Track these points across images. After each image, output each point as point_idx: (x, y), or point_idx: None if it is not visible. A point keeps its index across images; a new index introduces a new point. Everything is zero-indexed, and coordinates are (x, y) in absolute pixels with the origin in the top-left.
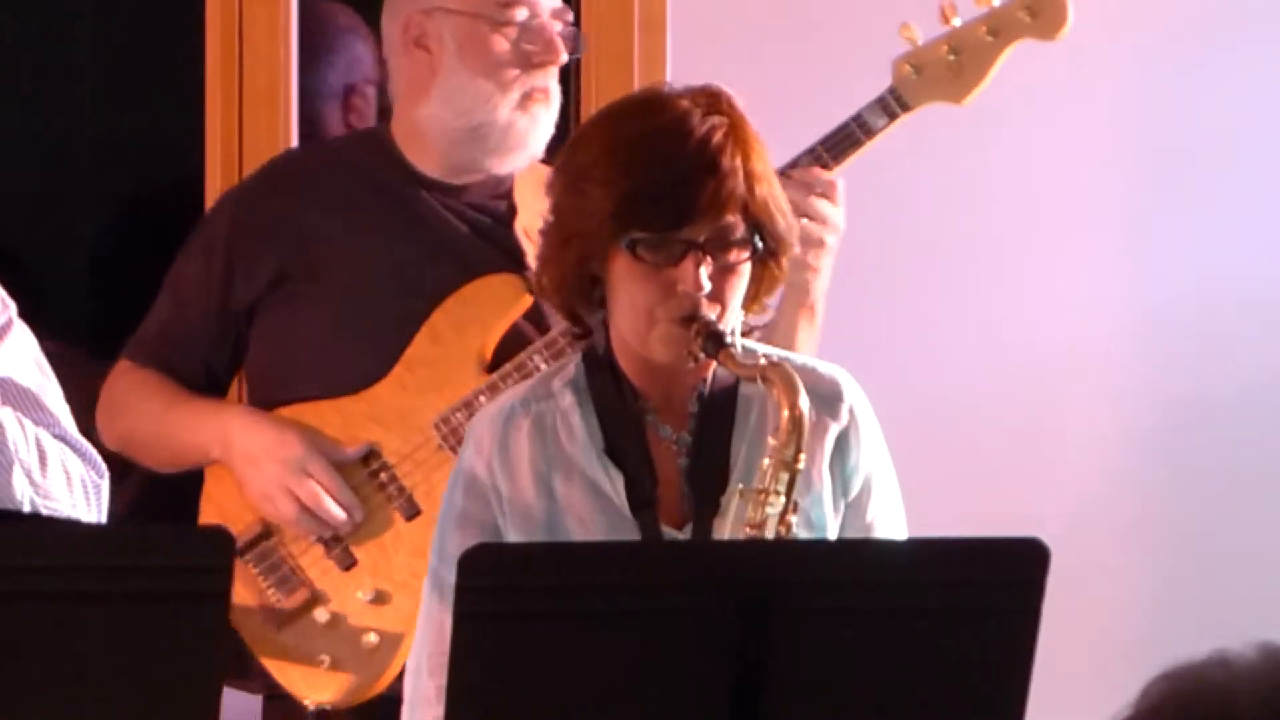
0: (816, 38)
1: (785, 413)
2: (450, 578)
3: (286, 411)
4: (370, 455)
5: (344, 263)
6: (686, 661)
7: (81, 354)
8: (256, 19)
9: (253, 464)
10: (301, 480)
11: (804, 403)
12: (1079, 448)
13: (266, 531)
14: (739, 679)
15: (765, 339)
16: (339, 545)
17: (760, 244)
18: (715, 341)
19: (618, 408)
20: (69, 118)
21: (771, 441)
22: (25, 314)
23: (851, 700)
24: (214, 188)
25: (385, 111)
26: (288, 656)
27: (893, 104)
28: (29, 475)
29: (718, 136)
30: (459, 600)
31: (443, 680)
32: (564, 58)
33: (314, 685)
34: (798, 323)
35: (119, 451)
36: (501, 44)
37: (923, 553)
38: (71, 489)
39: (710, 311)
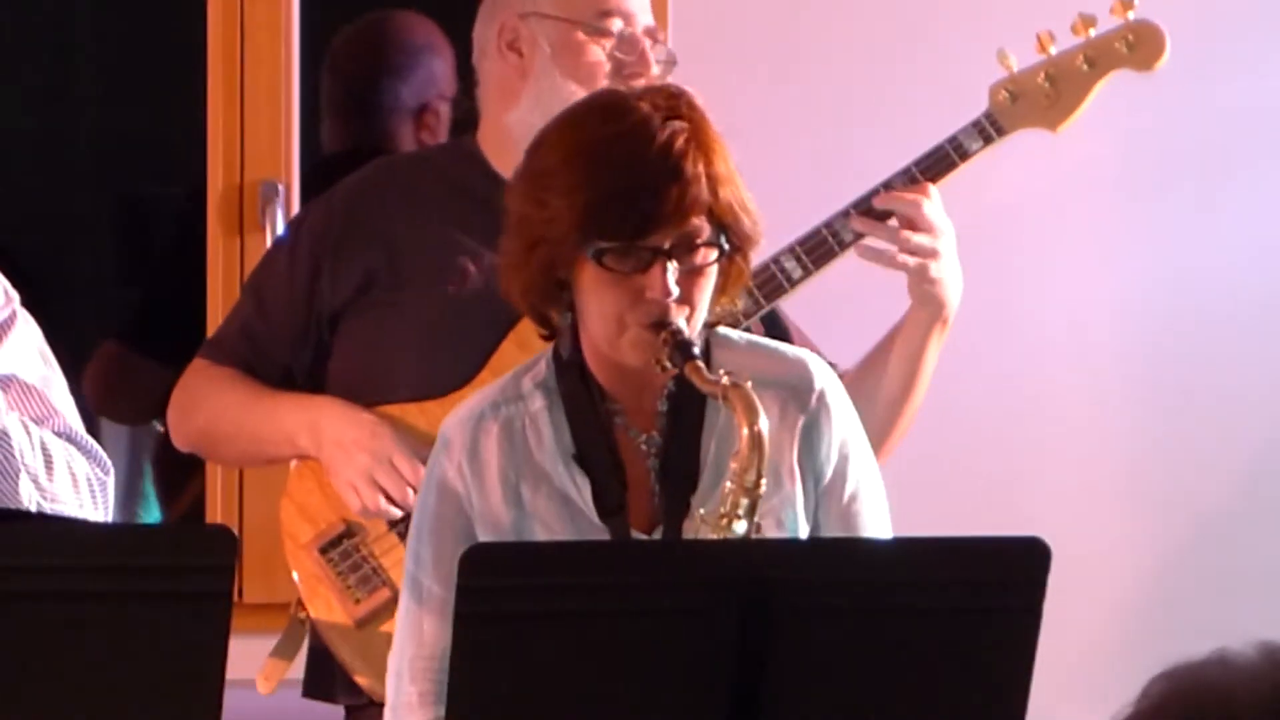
0: (815, 37)
1: (745, 432)
2: (426, 583)
3: (376, 411)
4: None
5: (432, 269)
6: (686, 661)
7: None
8: (257, 19)
9: (343, 451)
10: (388, 472)
11: (764, 423)
12: (1079, 447)
13: (349, 530)
14: (739, 678)
15: (896, 347)
16: None
17: (726, 244)
18: (683, 352)
19: (587, 410)
20: (69, 117)
21: (732, 465)
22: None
23: (851, 700)
24: (214, 188)
25: (458, 127)
26: (367, 657)
27: (989, 128)
28: (35, 481)
29: (679, 142)
30: (459, 600)
31: (425, 686)
32: (655, 70)
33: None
34: (930, 338)
35: (192, 450)
36: (596, 52)
37: (923, 552)
38: (78, 490)
39: (679, 315)
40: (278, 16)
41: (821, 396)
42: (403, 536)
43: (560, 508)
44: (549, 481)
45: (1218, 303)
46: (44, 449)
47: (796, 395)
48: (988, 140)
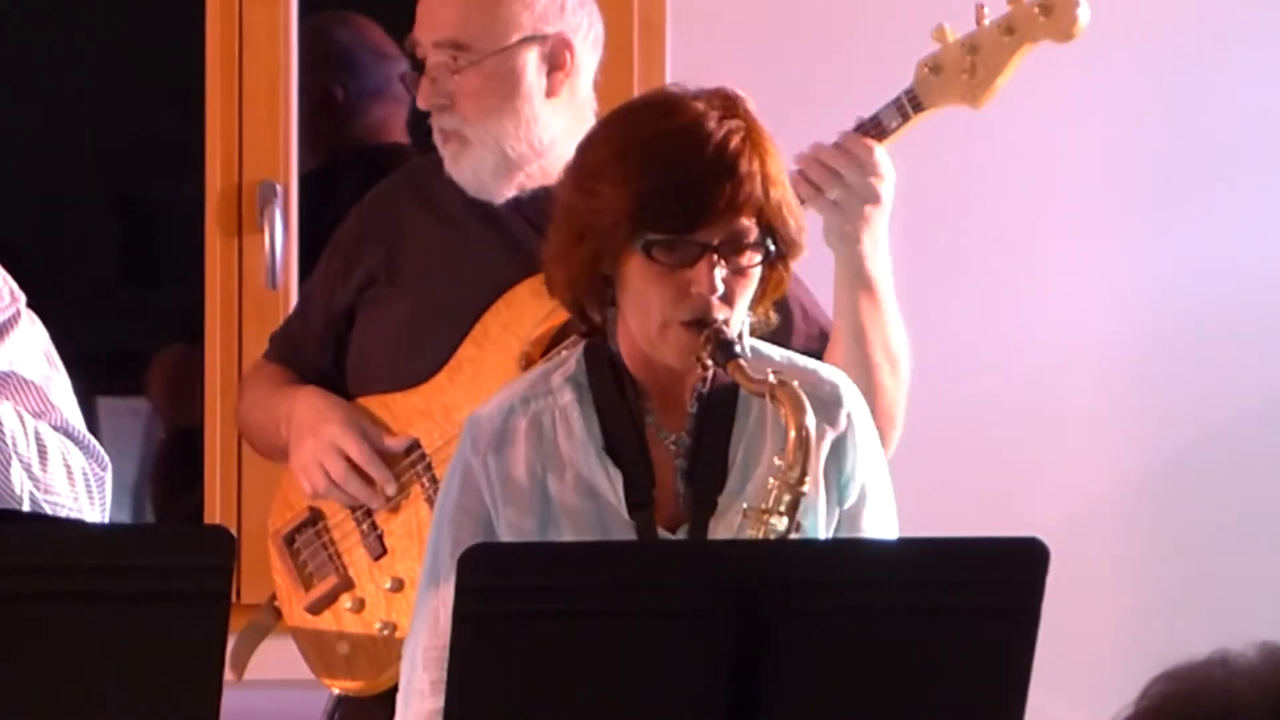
0: (815, 37)
1: (792, 434)
2: (443, 572)
3: None
4: (412, 447)
5: (424, 267)
6: (686, 661)
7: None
8: (256, 19)
9: (299, 438)
10: (333, 456)
11: (811, 422)
12: (1079, 447)
13: (313, 517)
14: (738, 679)
15: (836, 319)
16: (374, 533)
17: (772, 247)
18: (725, 351)
19: (619, 406)
20: (69, 117)
21: (777, 462)
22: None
23: (851, 700)
24: (214, 188)
25: None
26: (316, 642)
27: (907, 105)
28: (28, 470)
29: (736, 140)
30: (459, 600)
31: (437, 674)
32: (424, 103)
33: (334, 673)
34: (858, 303)
35: (246, 442)
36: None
37: (923, 553)
38: (73, 482)
39: (720, 314)
40: (276, 17)
41: (850, 417)
42: (359, 523)
43: (587, 501)
44: (577, 474)
45: (1219, 306)
46: (38, 439)
47: (827, 410)
48: (905, 118)
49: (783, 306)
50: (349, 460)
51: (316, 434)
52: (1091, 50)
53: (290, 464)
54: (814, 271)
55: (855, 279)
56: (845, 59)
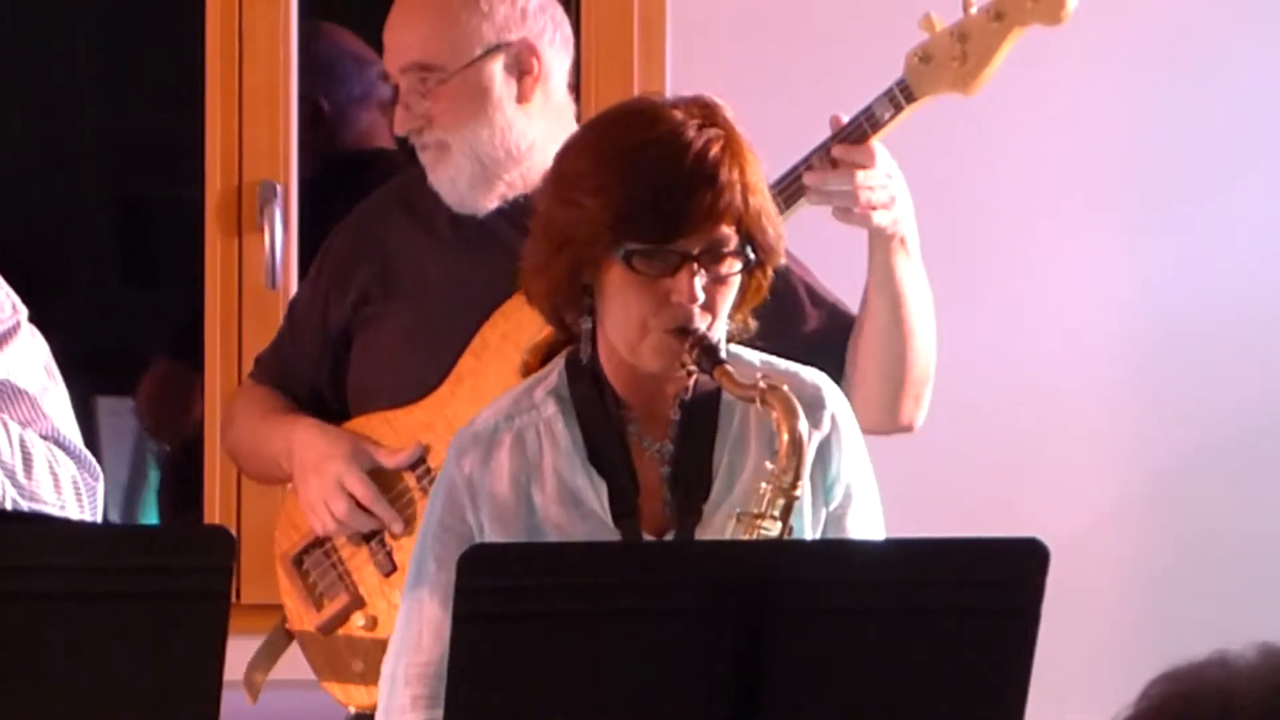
0: (816, 38)
1: (785, 437)
2: (426, 589)
3: (348, 425)
4: (418, 461)
5: (419, 281)
6: (686, 661)
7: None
8: (256, 19)
9: (303, 475)
10: (339, 496)
11: (803, 426)
12: (1079, 448)
13: (320, 538)
14: (738, 679)
15: (870, 281)
16: (383, 550)
17: (752, 255)
18: (710, 357)
19: (600, 416)
20: (69, 117)
21: (769, 466)
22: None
23: (851, 700)
24: (214, 188)
25: None
26: (330, 662)
27: (899, 96)
28: (11, 476)
29: (715, 149)
30: (459, 600)
31: (419, 690)
32: (399, 129)
33: (349, 692)
34: (893, 258)
35: (234, 463)
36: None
37: (922, 553)
38: (60, 490)
39: (702, 322)
40: (276, 18)
41: (834, 419)
42: (366, 539)
43: (572, 511)
44: (562, 486)
45: (1222, 310)
46: (23, 447)
47: (811, 411)
48: (898, 108)
49: (786, 293)
50: (354, 498)
51: (320, 472)
52: (1091, 50)
53: (299, 502)
54: (827, 268)
55: (892, 241)
56: (845, 59)
